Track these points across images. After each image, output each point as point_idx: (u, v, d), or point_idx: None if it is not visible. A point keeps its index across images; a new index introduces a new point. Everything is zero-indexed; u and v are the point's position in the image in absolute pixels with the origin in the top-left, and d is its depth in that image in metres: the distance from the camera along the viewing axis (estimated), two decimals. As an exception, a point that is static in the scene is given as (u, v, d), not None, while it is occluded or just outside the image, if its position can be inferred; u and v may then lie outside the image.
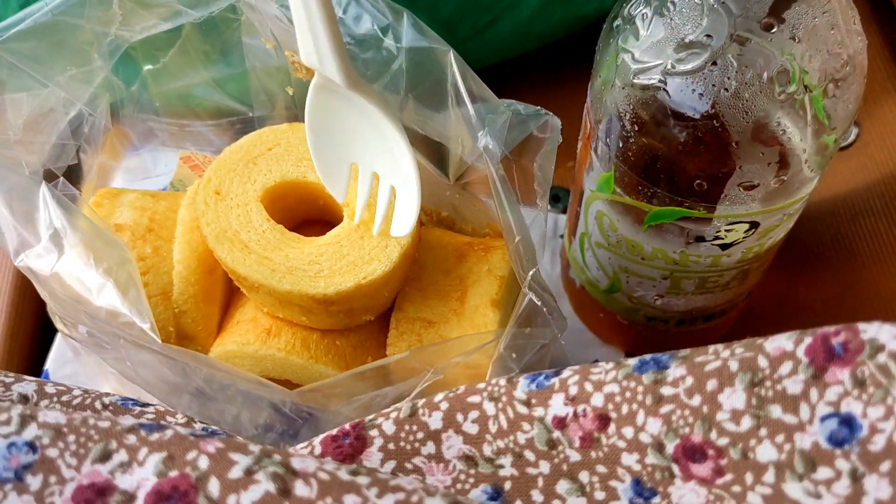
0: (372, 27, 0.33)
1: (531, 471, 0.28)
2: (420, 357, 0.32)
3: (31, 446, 0.24)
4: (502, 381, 0.28)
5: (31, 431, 0.25)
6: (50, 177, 0.37)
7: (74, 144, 0.39)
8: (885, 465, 0.22)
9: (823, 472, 0.23)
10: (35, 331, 0.50)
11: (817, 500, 0.23)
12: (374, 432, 0.29)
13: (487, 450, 0.28)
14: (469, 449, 0.28)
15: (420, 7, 0.49)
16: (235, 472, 0.24)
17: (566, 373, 0.27)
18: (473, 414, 0.28)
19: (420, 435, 0.29)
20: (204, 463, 0.24)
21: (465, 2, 0.48)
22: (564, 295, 0.49)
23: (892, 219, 0.45)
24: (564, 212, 0.52)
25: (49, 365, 0.47)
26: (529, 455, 0.28)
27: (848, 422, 0.22)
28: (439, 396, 0.29)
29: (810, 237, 0.47)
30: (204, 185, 0.37)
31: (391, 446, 0.29)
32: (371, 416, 0.29)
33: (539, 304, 0.31)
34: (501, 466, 0.28)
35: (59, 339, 0.48)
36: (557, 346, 0.33)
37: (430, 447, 0.28)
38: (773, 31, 0.30)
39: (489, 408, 0.28)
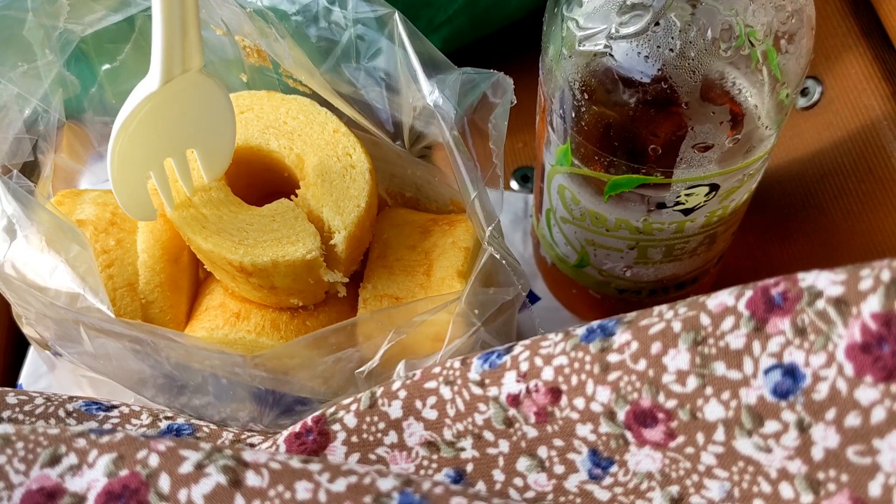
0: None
1: (491, 451, 0.27)
2: (382, 318, 0.32)
3: None
4: (457, 364, 0.27)
5: None
6: (6, 174, 0.36)
7: (31, 139, 0.39)
8: (831, 413, 0.21)
9: (771, 426, 0.22)
10: (7, 346, 0.50)
11: (768, 453, 0.23)
12: (336, 426, 0.29)
13: (448, 434, 0.28)
14: (430, 435, 0.28)
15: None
16: (186, 468, 0.23)
17: (517, 349, 0.27)
18: (431, 399, 0.28)
19: (381, 425, 0.28)
20: (154, 461, 0.24)
21: (415, 1, 0.48)
22: (538, 274, 0.49)
23: (860, 176, 0.44)
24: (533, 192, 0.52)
25: (23, 380, 0.47)
26: (488, 435, 0.27)
27: (791, 372, 0.22)
28: (397, 384, 0.28)
29: (780, 199, 0.47)
30: None
31: (354, 439, 0.28)
32: (332, 409, 0.29)
33: (498, 257, 0.30)
34: (462, 449, 0.28)
35: (31, 353, 0.48)
36: (528, 318, 0.33)
37: (392, 436, 0.28)
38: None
39: (445, 392, 0.27)
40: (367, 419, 0.28)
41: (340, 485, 0.23)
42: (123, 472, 0.24)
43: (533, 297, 0.49)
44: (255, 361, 0.32)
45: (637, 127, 0.33)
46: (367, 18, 0.33)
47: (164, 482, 0.23)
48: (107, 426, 0.31)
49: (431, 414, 0.28)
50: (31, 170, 0.38)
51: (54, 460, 0.24)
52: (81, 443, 0.24)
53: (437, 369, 0.28)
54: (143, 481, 0.23)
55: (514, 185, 0.53)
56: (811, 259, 0.45)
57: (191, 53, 0.31)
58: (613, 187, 0.36)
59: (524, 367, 0.26)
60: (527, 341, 0.27)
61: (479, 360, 0.27)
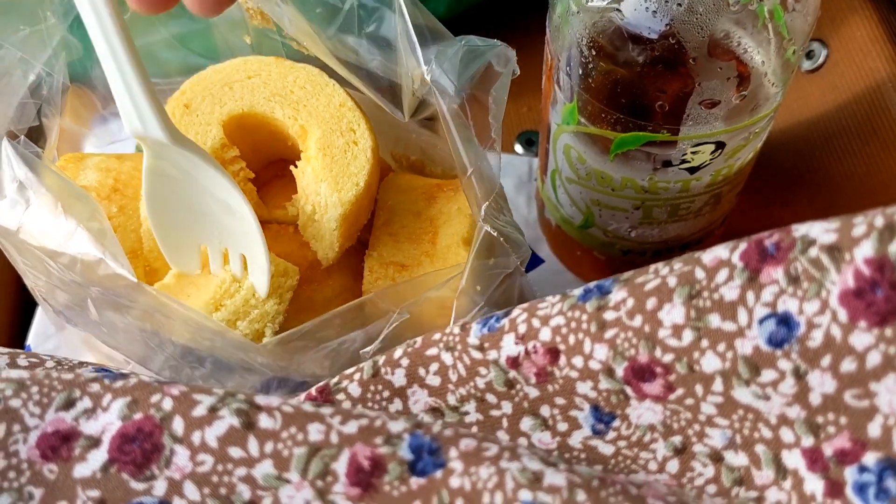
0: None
1: (495, 413, 0.28)
2: (386, 297, 0.32)
3: None
4: (456, 330, 0.28)
5: None
6: (13, 139, 0.36)
7: (35, 104, 0.39)
8: (826, 360, 0.21)
9: (768, 375, 0.23)
10: (15, 306, 0.50)
11: (767, 401, 0.23)
12: (341, 396, 0.29)
13: (451, 399, 0.28)
14: (434, 401, 0.28)
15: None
16: (199, 410, 0.24)
17: (515, 312, 0.27)
18: (434, 366, 0.28)
19: (386, 394, 0.29)
20: (168, 404, 0.24)
21: None
22: (542, 237, 0.49)
23: (865, 138, 0.45)
24: (538, 155, 0.52)
25: (31, 340, 0.47)
26: (491, 398, 0.28)
27: (785, 321, 0.22)
28: (398, 352, 0.28)
29: (785, 161, 0.47)
30: (177, 95, 0.37)
31: (359, 408, 0.29)
32: (335, 380, 0.29)
33: (495, 234, 0.30)
34: (467, 413, 0.28)
35: (39, 313, 0.48)
36: (525, 282, 0.33)
37: (397, 404, 0.28)
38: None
39: (447, 358, 0.28)
40: (372, 388, 0.29)
41: (352, 426, 0.24)
42: (138, 416, 0.24)
43: (537, 260, 0.49)
44: (262, 349, 0.32)
45: (644, 83, 0.33)
46: None
47: (178, 425, 0.24)
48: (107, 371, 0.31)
49: (434, 380, 0.28)
50: (36, 135, 0.38)
51: (69, 404, 0.24)
52: (95, 387, 0.25)
53: (437, 335, 0.28)
54: (157, 424, 0.24)
55: (518, 149, 0.53)
56: (815, 220, 0.45)
57: (144, 117, 0.30)
58: (620, 145, 0.36)
59: (522, 328, 0.26)
60: (525, 304, 0.27)
61: (477, 324, 0.27)
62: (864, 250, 0.20)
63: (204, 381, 0.35)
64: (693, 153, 0.36)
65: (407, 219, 0.38)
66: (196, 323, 0.31)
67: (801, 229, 0.22)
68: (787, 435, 0.24)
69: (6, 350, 0.31)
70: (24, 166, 0.32)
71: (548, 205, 0.45)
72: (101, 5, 0.27)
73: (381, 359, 0.28)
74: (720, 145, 0.35)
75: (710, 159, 0.36)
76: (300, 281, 0.38)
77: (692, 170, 0.37)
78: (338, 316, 0.33)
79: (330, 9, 0.33)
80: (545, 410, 0.27)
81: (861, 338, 0.21)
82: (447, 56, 0.32)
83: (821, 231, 0.21)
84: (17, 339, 0.49)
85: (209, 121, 0.37)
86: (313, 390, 0.29)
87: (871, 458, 0.22)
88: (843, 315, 0.21)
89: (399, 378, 0.28)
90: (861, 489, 0.22)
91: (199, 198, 0.34)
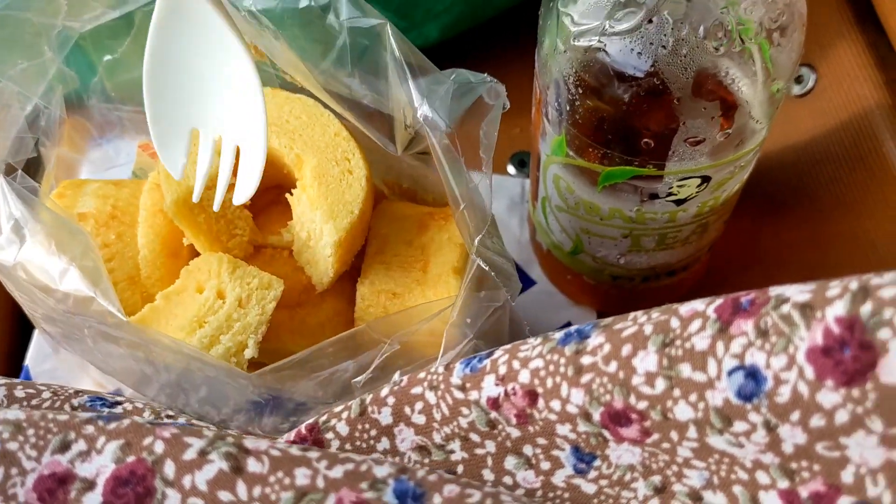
0: (311, 3, 0.33)
1: (479, 451, 0.28)
2: (378, 328, 0.33)
3: None
4: (440, 369, 0.28)
5: None
6: (10, 172, 0.37)
7: (32, 137, 0.39)
8: (795, 415, 0.22)
9: (739, 426, 0.23)
10: (14, 327, 0.51)
11: (741, 448, 0.24)
12: (329, 435, 0.29)
13: (437, 437, 0.29)
14: (421, 439, 0.29)
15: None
16: (189, 454, 0.24)
17: (497, 353, 0.27)
18: (419, 405, 0.29)
19: (373, 432, 0.29)
20: (160, 447, 0.25)
21: None
22: (535, 259, 0.50)
23: (852, 164, 0.45)
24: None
25: (29, 361, 0.48)
26: (475, 437, 0.28)
27: (753, 374, 0.22)
28: (385, 391, 0.29)
29: (772, 185, 0.48)
30: None
31: (347, 447, 0.29)
32: (325, 418, 0.30)
33: (486, 268, 0.31)
34: (452, 451, 0.28)
35: (37, 334, 0.49)
36: (514, 313, 0.33)
37: (384, 443, 0.29)
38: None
39: (430, 397, 0.28)
40: (359, 426, 0.29)
41: (338, 471, 0.24)
42: (130, 459, 0.25)
43: (529, 281, 0.50)
44: (255, 381, 0.32)
45: (630, 120, 0.34)
46: (359, 28, 0.33)
47: (169, 468, 0.24)
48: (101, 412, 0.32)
49: (420, 419, 0.29)
50: (33, 165, 0.39)
51: (64, 447, 0.25)
52: (90, 429, 0.25)
53: (422, 374, 0.29)
54: (149, 467, 0.25)
55: (511, 169, 0.54)
56: (802, 246, 0.46)
57: None
58: (607, 178, 0.37)
59: (502, 370, 0.27)
60: (508, 346, 0.27)
61: (461, 364, 0.28)
62: (836, 309, 0.21)
63: (200, 406, 0.36)
64: (679, 186, 0.36)
65: (399, 247, 0.39)
66: (188, 355, 0.31)
67: (777, 290, 0.22)
68: (762, 477, 0.25)
69: (4, 380, 0.32)
70: (21, 203, 0.33)
71: (538, 229, 0.46)
72: None
73: (369, 397, 0.29)
74: (706, 179, 0.36)
75: (697, 192, 0.37)
76: (293, 304, 0.39)
77: (679, 202, 0.37)
78: (330, 345, 0.34)
79: (322, 45, 0.34)
80: (528, 450, 0.28)
81: (828, 396, 0.21)
82: (438, 93, 0.32)
83: (796, 291, 0.22)
84: (15, 358, 0.50)
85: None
86: (303, 428, 0.29)
87: (845, 502, 0.23)
88: (809, 372, 0.21)
89: (385, 417, 0.29)
90: None
91: (203, 65, 0.32)
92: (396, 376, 0.31)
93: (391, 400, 0.29)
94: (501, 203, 0.51)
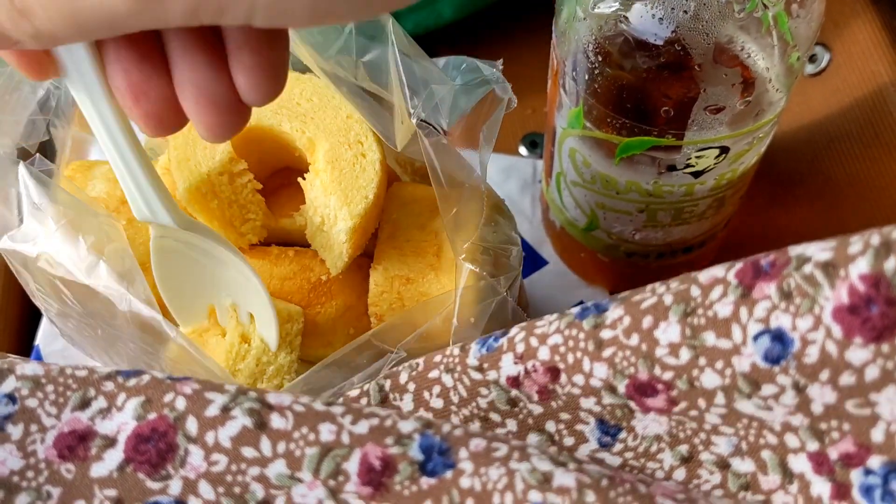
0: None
1: (500, 431, 0.28)
2: (382, 338, 0.33)
3: (11, 398, 0.25)
4: (455, 351, 0.28)
5: (9, 384, 0.25)
6: (24, 155, 0.37)
7: (44, 119, 0.39)
8: (825, 375, 0.22)
9: (768, 389, 0.23)
10: (24, 306, 0.51)
11: (770, 411, 0.23)
12: None
13: (455, 420, 0.28)
14: None
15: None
16: (212, 410, 0.24)
17: (513, 331, 0.27)
18: (436, 389, 0.28)
19: None
20: (181, 404, 0.25)
21: None
22: (547, 239, 0.50)
23: (867, 142, 0.45)
24: (542, 157, 0.53)
25: (39, 340, 0.48)
26: (495, 416, 0.28)
27: (780, 337, 0.22)
28: (404, 377, 0.29)
29: (787, 164, 0.48)
30: None
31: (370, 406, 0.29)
32: (340, 403, 0.30)
33: (478, 270, 0.31)
34: None
35: (48, 313, 0.49)
36: (515, 307, 0.33)
37: None
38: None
39: (447, 380, 0.28)
40: None
41: (363, 426, 0.24)
42: (152, 416, 0.24)
43: (541, 261, 0.49)
44: None
45: (650, 89, 0.33)
46: (365, 21, 0.33)
47: (192, 425, 0.24)
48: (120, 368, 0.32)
49: (438, 403, 0.28)
50: (47, 148, 0.38)
51: (84, 403, 0.25)
52: (110, 386, 0.25)
53: (437, 357, 0.28)
54: (171, 424, 0.24)
55: (522, 150, 0.53)
56: (817, 224, 0.46)
57: (151, 205, 0.31)
58: (625, 149, 0.37)
59: (520, 348, 0.26)
60: (523, 323, 0.27)
61: (476, 344, 0.28)
62: (860, 267, 0.21)
63: None
64: (697, 158, 0.36)
65: (411, 232, 0.38)
66: (206, 369, 0.31)
67: (797, 249, 0.22)
68: (792, 440, 0.24)
69: (17, 358, 0.32)
70: (41, 189, 0.32)
71: (552, 207, 0.46)
72: (100, 97, 0.26)
73: (387, 383, 0.29)
74: (724, 150, 0.36)
75: (714, 164, 0.37)
76: (303, 305, 0.38)
77: (696, 174, 0.37)
78: (335, 363, 0.33)
79: (328, 33, 0.34)
80: (550, 426, 0.28)
81: (858, 353, 0.21)
82: (438, 94, 0.32)
83: (816, 250, 0.22)
84: (26, 337, 0.50)
85: None
86: None
87: (875, 462, 0.23)
88: (837, 331, 0.21)
89: (407, 403, 0.28)
90: (867, 491, 0.23)
91: (206, 263, 0.34)
92: (412, 361, 0.31)
93: (412, 386, 0.28)
94: (513, 184, 0.51)
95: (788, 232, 0.47)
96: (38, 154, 0.36)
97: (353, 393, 0.30)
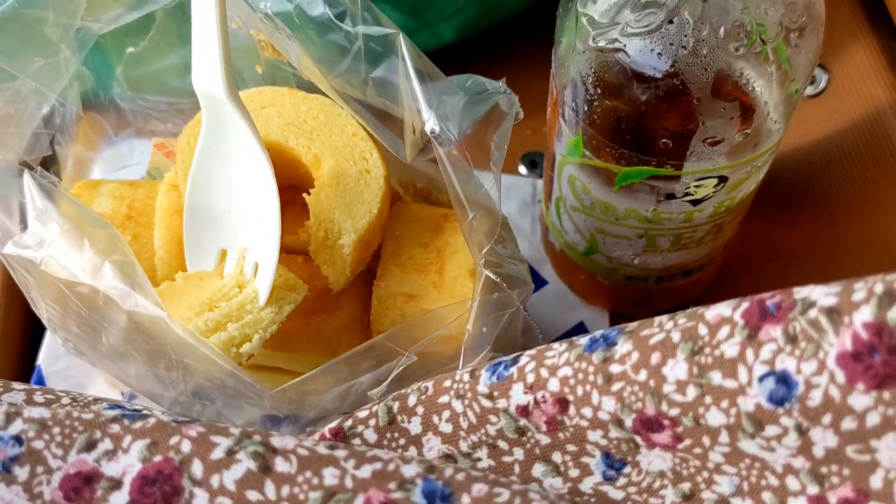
0: (325, 11, 0.33)
1: (507, 459, 0.28)
2: (395, 339, 0.33)
3: (18, 439, 0.25)
4: (466, 377, 0.28)
5: (16, 426, 0.25)
6: (26, 168, 0.37)
7: (48, 134, 0.39)
8: (827, 418, 0.22)
9: (771, 430, 0.23)
10: (26, 326, 0.51)
11: (772, 452, 0.24)
12: (356, 441, 0.30)
13: (464, 445, 0.29)
14: (447, 448, 0.29)
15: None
16: (217, 454, 0.25)
17: (523, 359, 0.27)
18: (446, 414, 0.29)
19: (402, 441, 0.29)
20: (186, 446, 0.25)
21: None
22: (546, 259, 0.50)
23: (865, 164, 0.45)
24: (542, 177, 0.53)
25: (41, 360, 0.48)
26: (503, 444, 0.28)
27: (784, 379, 0.22)
28: (412, 400, 0.29)
29: (786, 185, 0.48)
30: (192, 124, 0.38)
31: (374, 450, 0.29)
32: (349, 423, 0.30)
33: (496, 279, 0.31)
34: (479, 459, 0.29)
35: (49, 334, 0.49)
36: (526, 318, 0.33)
37: (412, 451, 0.29)
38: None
39: (457, 405, 0.28)
40: (388, 435, 0.29)
41: (366, 471, 0.24)
42: (157, 458, 0.25)
43: (541, 281, 0.50)
44: (274, 397, 0.32)
45: (649, 121, 0.34)
46: (373, 36, 0.33)
47: (197, 468, 0.24)
48: (126, 411, 0.32)
49: (447, 427, 0.29)
50: (49, 164, 0.39)
51: (90, 445, 0.25)
52: (115, 428, 0.25)
53: (447, 382, 0.29)
54: (176, 467, 0.25)
55: (522, 170, 0.54)
56: (815, 245, 0.46)
57: (213, 67, 0.32)
58: (624, 178, 0.37)
59: (530, 378, 0.27)
60: (532, 351, 0.27)
61: (487, 371, 0.28)
62: (863, 315, 0.21)
63: (214, 417, 0.36)
64: (696, 187, 0.36)
65: (414, 250, 0.39)
66: (212, 362, 0.31)
67: (802, 292, 0.22)
68: (792, 483, 0.25)
69: (23, 386, 0.32)
70: (45, 197, 0.33)
71: (552, 230, 0.46)
72: None
73: (395, 405, 0.29)
74: (723, 179, 0.36)
75: (713, 192, 0.37)
76: (309, 312, 0.39)
77: (695, 202, 0.37)
78: (346, 360, 0.34)
79: (336, 51, 0.34)
80: (557, 457, 0.28)
81: (860, 399, 0.21)
82: (449, 104, 0.32)
83: (821, 294, 0.22)
84: (27, 358, 0.50)
85: None
86: (327, 432, 0.29)
87: None
88: (840, 376, 0.21)
89: (416, 426, 0.29)
90: None
91: (233, 186, 0.35)
92: (419, 384, 0.31)
93: (420, 409, 0.29)
94: (513, 204, 0.51)
95: (786, 254, 0.47)
96: (39, 168, 0.37)
97: (362, 414, 0.30)
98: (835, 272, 0.45)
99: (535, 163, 0.53)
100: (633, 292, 0.46)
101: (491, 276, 0.31)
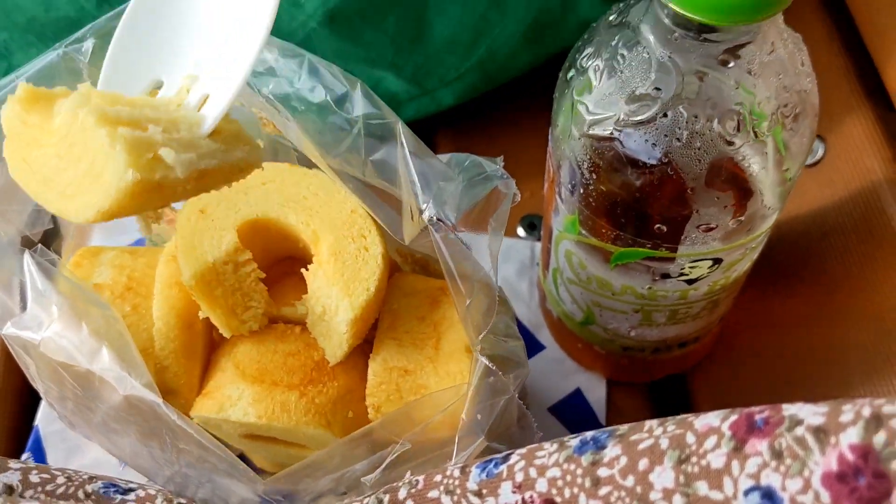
0: (326, 98, 0.33)
1: None
2: (390, 427, 0.33)
3: None
4: (457, 472, 0.28)
5: None
6: (27, 243, 0.37)
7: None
8: None
9: None
10: (24, 386, 0.51)
11: None
12: None
13: None
14: None
15: (385, 65, 0.49)
16: None
17: (514, 458, 0.27)
18: None
19: None
20: None
21: (428, 58, 0.49)
22: (544, 324, 0.50)
23: (861, 237, 0.45)
24: (540, 239, 0.53)
25: (39, 421, 0.48)
26: None
27: (769, 495, 0.22)
28: (403, 493, 0.29)
29: (783, 256, 0.48)
30: (193, 200, 0.38)
31: None
32: None
33: (493, 367, 0.31)
34: None
35: (48, 393, 0.49)
36: (520, 404, 0.34)
37: None
38: (728, 66, 0.31)
39: (446, 501, 0.28)
40: None
41: None
42: None
43: (538, 346, 0.50)
44: (267, 484, 0.32)
45: (643, 206, 0.34)
46: (373, 123, 0.34)
47: None
48: None
49: None
50: (50, 236, 0.39)
51: None
52: None
53: (438, 477, 0.29)
54: None
55: (520, 232, 0.54)
56: (811, 316, 0.46)
57: None
58: (620, 258, 0.37)
59: (519, 477, 0.27)
60: (523, 450, 0.28)
61: (477, 468, 0.28)
62: (850, 436, 0.21)
63: (209, 496, 0.36)
64: (691, 267, 0.37)
65: (411, 323, 0.39)
66: (207, 448, 0.32)
67: (791, 409, 0.23)
68: None
69: (19, 465, 0.32)
70: (44, 278, 0.33)
71: (549, 297, 0.46)
72: None
73: (386, 498, 0.29)
74: (717, 261, 0.36)
75: (708, 272, 0.37)
76: (305, 382, 0.39)
77: (690, 281, 0.38)
78: (341, 447, 0.34)
79: (336, 133, 0.34)
80: None
81: None
82: (447, 190, 0.33)
83: (809, 413, 0.22)
84: (25, 418, 0.50)
85: (224, 226, 0.38)
86: None
87: None
88: (825, 497, 0.22)
89: None
90: None
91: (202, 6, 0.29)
92: (408, 475, 0.31)
93: (410, 503, 0.29)
94: (511, 267, 0.52)
95: (783, 323, 0.47)
96: (40, 244, 0.37)
97: None
98: (829, 345, 0.45)
99: (534, 225, 0.54)
100: (630, 362, 0.46)
101: (487, 363, 0.31)
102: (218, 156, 0.28)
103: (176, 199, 0.28)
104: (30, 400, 0.50)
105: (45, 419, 0.48)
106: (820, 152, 0.49)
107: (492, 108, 0.57)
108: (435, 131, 0.59)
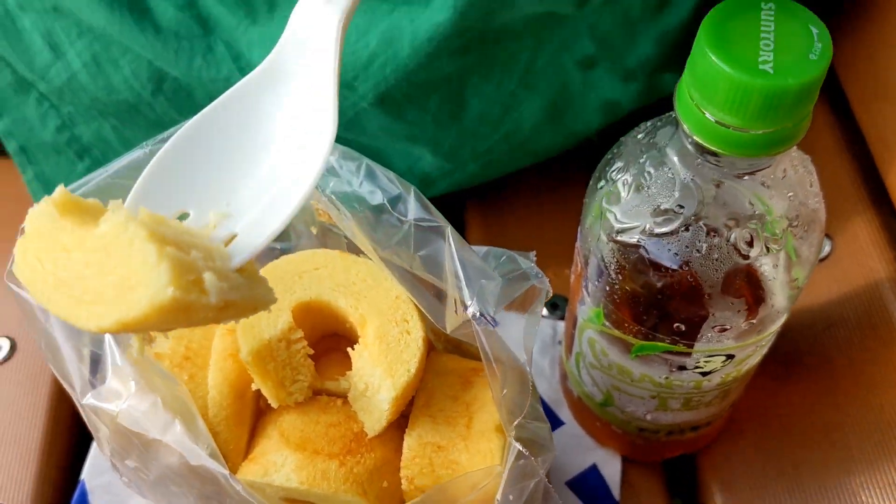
0: (383, 201, 0.37)
1: None
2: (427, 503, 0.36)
3: None
4: None
5: None
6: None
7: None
8: None
9: None
10: (71, 438, 0.54)
11: None
12: None
13: None
14: None
15: (425, 141, 0.53)
16: None
17: None
18: None
19: None
20: None
21: (463, 133, 0.53)
22: (564, 402, 0.53)
23: (864, 331, 0.49)
24: (563, 318, 0.56)
25: (85, 475, 0.51)
26: None
27: None
28: None
29: (790, 345, 0.51)
30: None
31: None
32: None
33: (525, 452, 0.34)
34: None
35: (94, 448, 0.52)
36: (547, 485, 0.37)
37: None
38: (743, 179, 0.34)
39: None
40: None
41: None
42: None
43: (558, 422, 0.53)
44: None
45: (664, 307, 0.37)
46: (423, 225, 0.37)
47: None
48: None
49: None
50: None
51: None
52: None
53: None
54: None
55: (544, 311, 0.57)
56: (816, 404, 0.49)
57: None
58: (639, 350, 0.40)
59: None
60: None
61: None
62: None
63: None
64: (706, 362, 0.40)
65: (445, 402, 0.42)
66: None
67: None
68: None
69: None
70: (121, 351, 0.37)
71: (571, 378, 0.49)
72: None
73: None
74: (730, 356, 0.40)
75: (722, 366, 0.40)
76: (344, 452, 0.42)
77: (705, 373, 0.41)
78: None
79: (388, 230, 0.38)
80: None
81: None
82: (488, 289, 0.36)
83: None
84: (72, 471, 0.53)
85: (281, 306, 0.41)
86: None
87: None
88: None
89: None
90: None
91: (265, 137, 0.30)
92: None
93: None
94: (534, 345, 0.55)
95: (790, 409, 0.50)
96: None
97: None
98: (833, 430, 0.48)
99: (557, 305, 0.57)
100: (645, 442, 0.49)
101: (520, 447, 0.34)
102: (243, 290, 0.29)
103: (193, 324, 0.28)
104: (77, 453, 0.53)
105: (90, 473, 0.51)
106: (827, 248, 0.52)
107: (518, 182, 0.61)
108: (462, 202, 0.63)
